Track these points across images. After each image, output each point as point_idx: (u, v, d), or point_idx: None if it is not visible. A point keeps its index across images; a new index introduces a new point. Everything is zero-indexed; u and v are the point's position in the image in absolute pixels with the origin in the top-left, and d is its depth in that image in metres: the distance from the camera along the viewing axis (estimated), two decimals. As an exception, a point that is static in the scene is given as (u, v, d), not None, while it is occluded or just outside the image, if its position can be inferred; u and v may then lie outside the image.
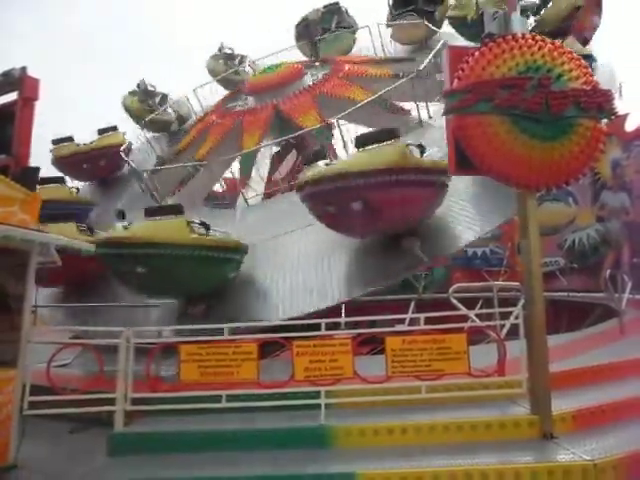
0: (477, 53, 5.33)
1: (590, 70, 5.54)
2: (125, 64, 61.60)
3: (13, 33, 59.31)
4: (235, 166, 14.62)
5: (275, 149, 16.26)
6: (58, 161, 15.23)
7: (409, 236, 8.31)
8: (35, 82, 8.54)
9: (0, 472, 5.24)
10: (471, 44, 10.51)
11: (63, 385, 6.13)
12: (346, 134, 12.23)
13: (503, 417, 5.49)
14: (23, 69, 8.47)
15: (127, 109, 17.27)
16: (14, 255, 5.65)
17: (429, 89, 11.66)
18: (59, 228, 8.79)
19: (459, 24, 14.27)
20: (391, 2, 17.12)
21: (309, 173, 8.29)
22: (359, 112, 11.64)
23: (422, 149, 8.01)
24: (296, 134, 12.64)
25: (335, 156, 8.77)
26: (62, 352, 6.39)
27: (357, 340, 5.96)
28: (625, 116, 13.24)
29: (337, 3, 18.26)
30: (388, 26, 16.58)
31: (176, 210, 8.70)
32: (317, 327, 6.16)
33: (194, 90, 17.67)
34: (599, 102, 5.35)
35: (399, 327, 7.07)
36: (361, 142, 8.37)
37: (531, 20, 10.87)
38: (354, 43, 17.77)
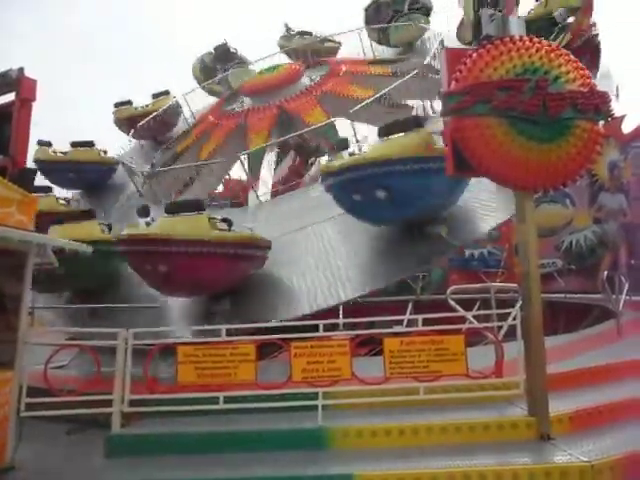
0: (475, 55, 5.35)
1: (587, 72, 5.56)
2: (125, 64, 61.70)
3: (13, 33, 59.30)
4: (238, 166, 14.72)
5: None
6: (119, 122, 17.38)
7: (434, 222, 8.38)
8: (32, 83, 8.53)
9: (-3, 474, 5.23)
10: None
11: (60, 386, 6.12)
12: (350, 131, 12.40)
13: (501, 418, 5.50)
14: (20, 70, 8.46)
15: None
16: (11, 256, 5.64)
17: (430, 87, 11.75)
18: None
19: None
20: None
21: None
22: (363, 110, 11.66)
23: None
24: (306, 130, 12.72)
25: (334, 153, 8.71)
26: (60, 353, 6.38)
27: (355, 341, 5.96)
28: (622, 118, 13.26)
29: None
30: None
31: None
32: (315, 328, 6.16)
33: (184, 95, 17.78)
34: (596, 104, 5.38)
35: (397, 328, 7.07)
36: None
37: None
38: (429, 27, 16.40)
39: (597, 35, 10.73)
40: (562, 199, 13.95)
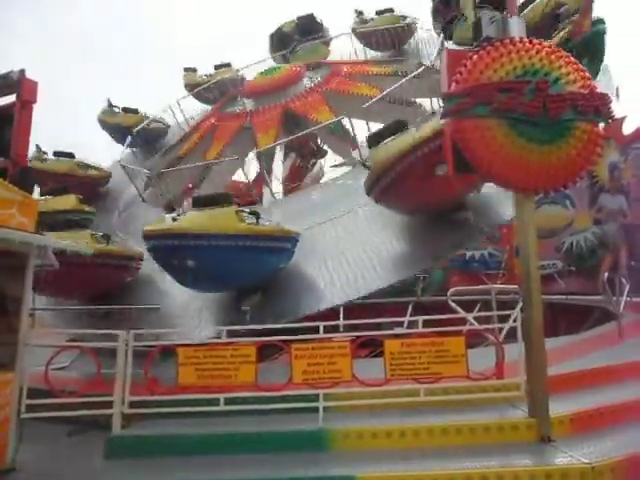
0: (475, 56, 5.35)
1: (587, 73, 5.56)
2: (125, 64, 61.72)
3: (13, 33, 59.31)
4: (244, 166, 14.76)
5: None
6: (187, 86, 18.80)
7: (460, 209, 8.49)
8: (33, 85, 8.53)
9: (-2, 475, 5.24)
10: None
11: (61, 388, 6.11)
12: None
13: (501, 420, 5.49)
14: (22, 72, 8.46)
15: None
16: (13, 257, 5.65)
17: (436, 87, 11.82)
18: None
19: None
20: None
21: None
22: (371, 107, 11.79)
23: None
24: (317, 127, 12.69)
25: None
26: (60, 355, 6.37)
27: (355, 343, 5.96)
28: (622, 119, 13.25)
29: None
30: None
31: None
32: (315, 330, 6.16)
33: (177, 101, 17.89)
34: (596, 105, 5.38)
35: (398, 330, 7.07)
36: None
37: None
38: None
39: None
40: (562, 200, 13.95)
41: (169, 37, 67.09)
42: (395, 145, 8.17)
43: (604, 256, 13.09)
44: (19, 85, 8.42)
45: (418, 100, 13.74)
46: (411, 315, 9.81)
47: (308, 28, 18.46)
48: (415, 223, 9.11)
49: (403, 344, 5.79)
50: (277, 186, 15.44)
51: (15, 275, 5.72)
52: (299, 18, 18.75)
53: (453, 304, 7.08)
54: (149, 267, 10.13)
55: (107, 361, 6.16)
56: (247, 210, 8.57)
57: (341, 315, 8.58)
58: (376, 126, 12.11)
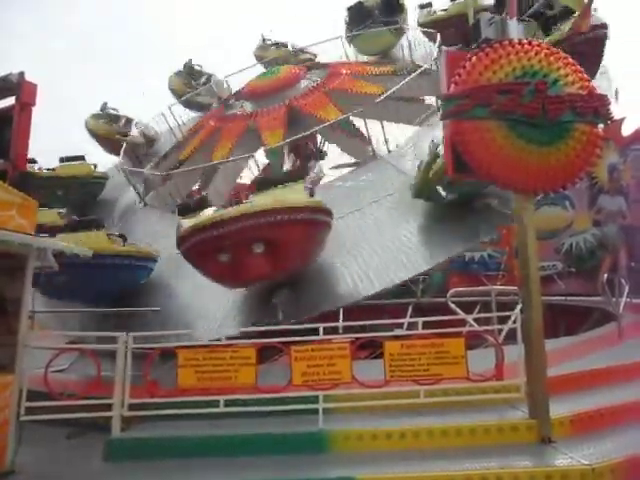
0: (474, 58, 5.35)
1: (586, 75, 5.57)
2: (125, 64, 61.82)
3: (13, 33, 59.44)
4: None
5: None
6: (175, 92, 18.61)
7: (483, 197, 8.58)
8: (33, 87, 8.54)
9: (-3, 478, 5.23)
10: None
11: (60, 390, 6.10)
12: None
13: (501, 421, 5.49)
14: (21, 74, 8.48)
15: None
16: (12, 259, 5.65)
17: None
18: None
19: None
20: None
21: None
22: (376, 106, 11.84)
23: None
24: (326, 124, 12.68)
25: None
26: (60, 357, 6.37)
27: (355, 344, 5.95)
28: (621, 120, 13.26)
29: None
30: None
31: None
32: (315, 331, 6.16)
33: (169, 107, 17.88)
34: (595, 107, 5.38)
35: (397, 331, 7.07)
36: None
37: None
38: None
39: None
40: (562, 201, 13.92)
41: (169, 37, 67.29)
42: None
43: (603, 257, 13.08)
44: (18, 87, 8.45)
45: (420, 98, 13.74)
46: (411, 316, 9.83)
47: (391, 6, 16.94)
48: (441, 212, 9.20)
49: (403, 345, 5.79)
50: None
51: (14, 277, 5.72)
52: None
53: (453, 305, 7.09)
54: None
55: (107, 363, 6.16)
56: (116, 234, 9.66)
57: (341, 316, 8.58)
58: (376, 124, 12.25)
